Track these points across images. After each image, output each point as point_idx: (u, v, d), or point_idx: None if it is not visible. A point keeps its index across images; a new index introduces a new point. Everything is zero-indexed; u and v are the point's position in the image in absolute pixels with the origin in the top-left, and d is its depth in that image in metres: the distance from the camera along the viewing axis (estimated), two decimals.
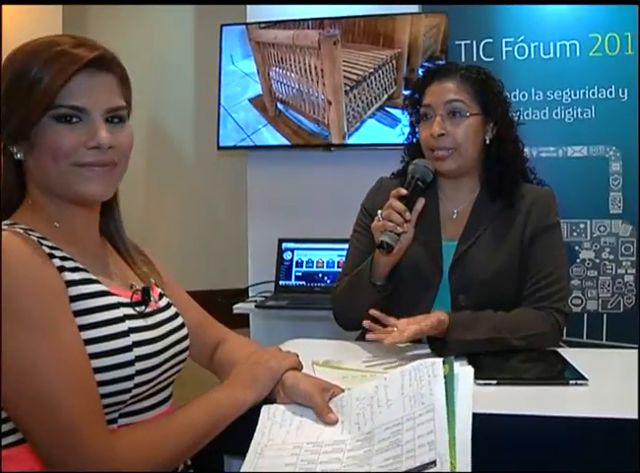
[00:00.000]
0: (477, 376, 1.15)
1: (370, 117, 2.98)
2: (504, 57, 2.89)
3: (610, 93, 2.79)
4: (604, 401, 1.17)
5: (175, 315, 1.14)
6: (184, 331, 1.14)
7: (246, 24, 3.13)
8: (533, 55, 2.87)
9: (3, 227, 0.95)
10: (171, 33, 3.61)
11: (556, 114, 2.86)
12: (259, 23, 3.10)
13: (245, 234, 3.23)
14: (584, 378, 1.23)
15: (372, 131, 2.98)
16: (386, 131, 2.95)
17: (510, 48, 2.89)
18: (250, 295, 3.08)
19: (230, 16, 3.21)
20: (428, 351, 1.46)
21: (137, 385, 0.99)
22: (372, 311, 1.44)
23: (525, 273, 1.59)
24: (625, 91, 2.77)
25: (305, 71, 3.02)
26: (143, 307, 1.06)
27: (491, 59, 2.87)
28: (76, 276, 0.96)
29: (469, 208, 1.67)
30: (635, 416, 1.02)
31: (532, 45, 2.86)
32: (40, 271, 0.91)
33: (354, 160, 3.02)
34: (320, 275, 2.97)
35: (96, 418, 0.91)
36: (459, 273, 1.60)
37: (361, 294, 1.58)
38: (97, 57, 0.97)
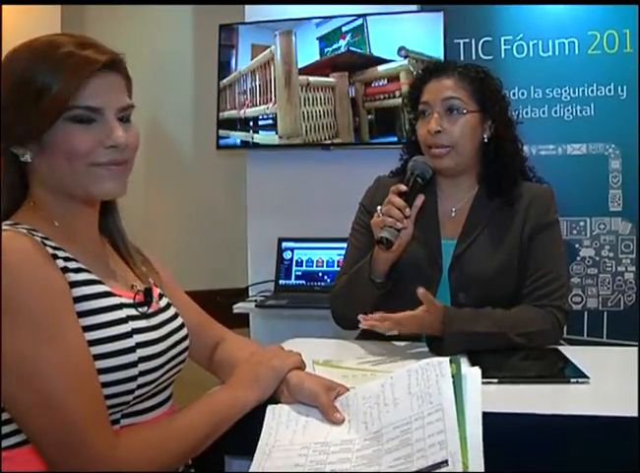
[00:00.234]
0: None
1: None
2: (503, 55, 2.89)
3: (609, 90, 2.79)
4: (605, 399, 1.17)
5: (175, 316, 1.14)
6: (184, 331, 1.14)
7: (245, 24, 3.13)
8: (532, 53, 2.87)
9: (5, 227, 0.94)
10: (170, 33, 3.61)
11: (555, 112, 2.86)
12: (257, 22, 3.10)
13: (245, 233, 3.23)
14: (585, 376, 1.23)
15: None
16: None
17: (509, 46, 2.89)
18: (250, 294, 3.08)
19: (229, 16, 3.20)
20: (428, 350, 1.46)
21: (140, 386, 0.99)
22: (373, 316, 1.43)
23: (524, 271, 1.59)
24: (624, 88, 2.77)
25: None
26: (145, 308, 1.06)
27: (490, 57, 2.87)
28: (79, 277, 0.96)
29: (467, 206, 1.66)
30: (636, 414, 1.02)
31: (531, 43, 2.86)
32: (44, 271, 0.91)
33: (354, 159, 3.02)
34: (320, 274, 2.97)
35: (101, 419, 0.91)
36: (458, 271, 1.60)
37: (360, 291, 1.57)
38: (109, 60, 0.98)
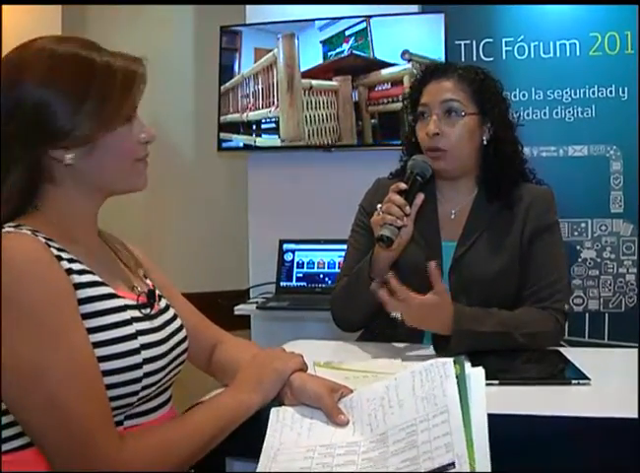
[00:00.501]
0: None
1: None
2: (504, 57, 2.89)
3: (611, 92, 2.79)
4: (606, 401, 1.17)
5: (175, 317, 1.14)
6: (184, 332, 1.14)
7: (246, 25, 3.14)
8: (533, 55, 2.87)
9: (9, 229, 0.94)
10: (171, 34, 3.61)
11: (557, 114, 2.85)
12: (258, 24, 3.10)
13: (246, 235, 3.22)
14: (586, 378, 1.23)
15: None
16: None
17: (510, 48, 2.89)
18: (251, 296, 3.07)
19: (230, 17, 3.20)
20: (429, 351, 1.46)
21: (144, 388, 0.99)
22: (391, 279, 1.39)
23: (525, 273, 1.59)
24: (625, 90, 2.77)
25: None
26: (149, 310, 1.06)
27: (491, 59, 2.87)
28: (83, 278, 0.96)
29: (467, 209, 1.66)
30: (637, 415, 1.01)
31: (532, 45, 2.86)
32: (50, 273, 0.91)
33: (355, 160, 3.02)
34: (321, 276, 2.97)
35: (107, 422, 0.91)
36: (458, 273, 1.60)
37: (361, 290, 1.56)
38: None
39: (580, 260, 2.84)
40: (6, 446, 0.92)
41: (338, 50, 3.02)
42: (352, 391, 1.11)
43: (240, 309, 2.93)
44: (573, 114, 2.84)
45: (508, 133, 1.66)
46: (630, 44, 2.75)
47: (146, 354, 0.99)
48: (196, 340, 1.20)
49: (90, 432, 0.88)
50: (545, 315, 1.52)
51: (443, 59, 2.77)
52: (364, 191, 1.79)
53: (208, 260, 3.55)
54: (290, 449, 1.01)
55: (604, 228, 2.82)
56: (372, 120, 2.99)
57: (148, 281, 1.15)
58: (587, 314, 2.82)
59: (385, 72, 2.96)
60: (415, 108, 1.68)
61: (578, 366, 1.30)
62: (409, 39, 2.92)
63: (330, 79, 3.03)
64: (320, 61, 3.04)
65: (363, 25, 2.97)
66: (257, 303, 2.91)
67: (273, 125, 3.09)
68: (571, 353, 1.40)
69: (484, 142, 1.64)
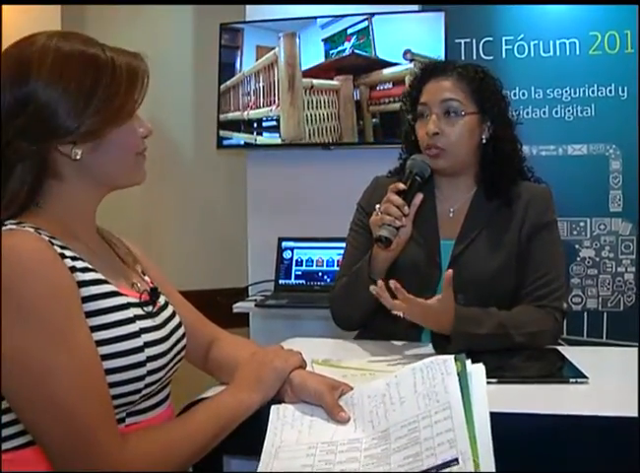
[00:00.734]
0: None
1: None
2: (504, 56, 2.89)
3: (610, 91, 2.79)
4: (604, 399, 1.17)
5: (174, 314, 1.14)
6: (183, 329, 1.14)
7: (247, 22, 3.13)
8: (532, 53, 2.87)
9: (11, 226, 0.93)
10: (171, 32, 3.60)
11: (556, 113, 2.85)
12: (257, 21, 3.09)
13: (245, 232, 3.22)
14: (584, 377, 1.23)
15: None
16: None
17: (510, 47, 2.89)
18: (250, 294, 3.07)
19: (230, 15, 3.20)
20: (428, 350, 1.46)
21: (147, 385, 0.99)
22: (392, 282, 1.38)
23: (523, 271, 1.59)
24: (625, 89, 2.77)
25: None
26: (151, 308, 1.06)
27: (491, 58, 2.87)
28: (86, 276, 0.96)
29: (465, 207, 1.66)
30: (635, 414, 1.02)
31: (531, 44, 2.86)
32: (54, 270, 0.90)
33: (354, 158, 3.02)
34: (320, 274, 2.97)
35: (109, 421, 0.91)
36: (457, 272, 1.59)
37: (360, 289, 1.56)
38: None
39: (579, 259, 2.84)
40: (6, 445, 0.92)
41: (340, 48, 3.01)
42: (351, 388, 1.11)
43: (239, 307, 2.93)
44: (573, 113, 2.83)
45: (507, 131, 1.66)
46: (630, 44, 2.75)
47: (149, 351, 0.99)
48: (193, 337, 1.20)
49: (92, 431, 0.87)
50: (544, 314, 1.52)
51: (443, 58, 2.76)
52: (363, 189, 1.79)
53: (207, 258, 3.55)
54: (292, 447, 1.01)
55: (602, 227, 2.82)
56: (373, 120, 2.99)
57: (146, 278, 1.15)
58: (585, 313, 2.82)
59: (387, 71, 2.95)
60: (414, 107, 1.68)
61: (576, 364, 1.30)
62: (409, 38, 2.92)
63: (331, 78, 3.03)
64: (322, 59, 3.03)
65: (365, 23, 2.97)
66: (256, 300, 2.91)
67: (274, 123, 3.09)
68: (569, 351, 1.40)
69: (484, 140, 1.64)
